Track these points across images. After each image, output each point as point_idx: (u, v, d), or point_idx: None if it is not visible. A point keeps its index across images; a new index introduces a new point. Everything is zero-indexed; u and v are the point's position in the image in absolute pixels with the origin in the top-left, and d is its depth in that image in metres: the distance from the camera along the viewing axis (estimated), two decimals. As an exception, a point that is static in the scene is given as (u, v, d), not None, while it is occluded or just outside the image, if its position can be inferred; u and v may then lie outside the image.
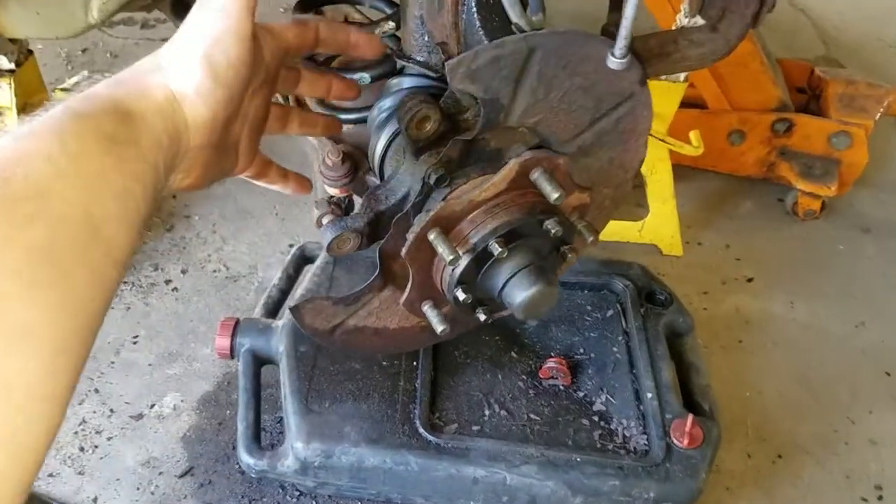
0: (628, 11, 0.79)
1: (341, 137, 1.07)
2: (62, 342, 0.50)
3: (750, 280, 1.94)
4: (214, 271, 1.84)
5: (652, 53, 1.00)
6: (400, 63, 1.01)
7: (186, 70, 0.66)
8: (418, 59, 0.96)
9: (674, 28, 1.61)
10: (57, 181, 0.52)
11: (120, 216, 0.56)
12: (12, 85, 1.65)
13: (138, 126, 0.61)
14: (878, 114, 2.02)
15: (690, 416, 1.24)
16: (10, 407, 0.46)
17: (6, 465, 0.46)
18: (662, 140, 1.83)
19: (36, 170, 0.51)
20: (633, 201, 2.02)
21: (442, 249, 0.94)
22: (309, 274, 1.48)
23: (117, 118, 0.59)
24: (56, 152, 0.53)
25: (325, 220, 0.99)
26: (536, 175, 0.94)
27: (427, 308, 1.06)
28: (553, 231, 0.95)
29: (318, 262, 1.50)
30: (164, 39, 0.69)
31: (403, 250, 0.98)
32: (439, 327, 1.04)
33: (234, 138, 0.77)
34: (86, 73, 2.52)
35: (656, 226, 1.97)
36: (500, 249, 0.94)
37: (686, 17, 1.51)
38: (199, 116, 0.66)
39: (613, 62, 0.85)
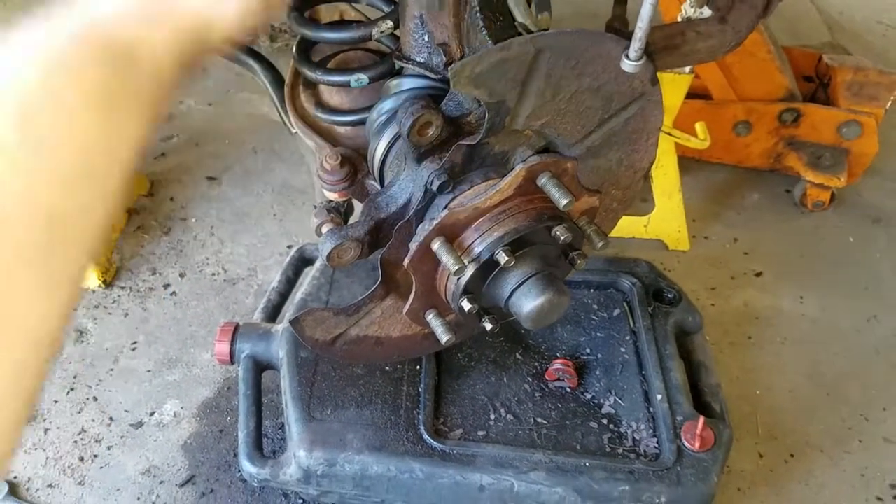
0: (645, 12, 0.75)
1: (340, 140, 1.04)
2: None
3: (758, 274, 1.90)
4: (213, 274, 1.81)
5: (658, 47, 0.96)
6: (399, 63, 0.97)
7: None
8: (418, 59, 0.92)
9: (679, 20, 1.56)
10: None
11: None
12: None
13: None
14: (889, 102, 1.97)
15: (702, 419, 1.21)
16: None
17: None
18: (668, 133, 1.80)
19: None
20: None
21: (447, 259, 0.90)
22: (308, 277, 1.45)
23: None
24: None
25: (324, 229, 0.95)
26: (544, 180, 0.91)
27: (431, 317, 1.03)
28: (562, 238, 0.92)
29: (317, 265, 1.47)
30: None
31: (406, 260, 0.94)
32: (444, 337, 1.01)
33: None
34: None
35: (662, 220, 1.93)
36: (507, 258, 0.90)
37: (692, 7, 1.46)
38: None
39: (628, 65, 0.81)
